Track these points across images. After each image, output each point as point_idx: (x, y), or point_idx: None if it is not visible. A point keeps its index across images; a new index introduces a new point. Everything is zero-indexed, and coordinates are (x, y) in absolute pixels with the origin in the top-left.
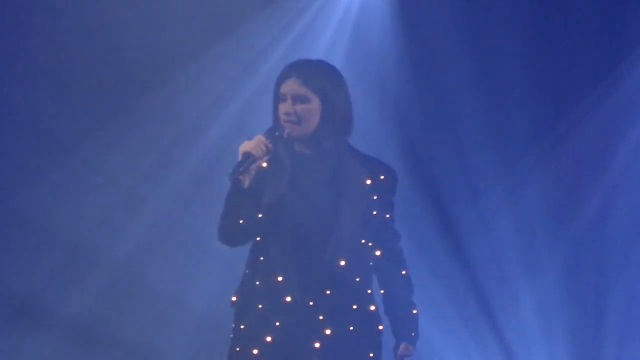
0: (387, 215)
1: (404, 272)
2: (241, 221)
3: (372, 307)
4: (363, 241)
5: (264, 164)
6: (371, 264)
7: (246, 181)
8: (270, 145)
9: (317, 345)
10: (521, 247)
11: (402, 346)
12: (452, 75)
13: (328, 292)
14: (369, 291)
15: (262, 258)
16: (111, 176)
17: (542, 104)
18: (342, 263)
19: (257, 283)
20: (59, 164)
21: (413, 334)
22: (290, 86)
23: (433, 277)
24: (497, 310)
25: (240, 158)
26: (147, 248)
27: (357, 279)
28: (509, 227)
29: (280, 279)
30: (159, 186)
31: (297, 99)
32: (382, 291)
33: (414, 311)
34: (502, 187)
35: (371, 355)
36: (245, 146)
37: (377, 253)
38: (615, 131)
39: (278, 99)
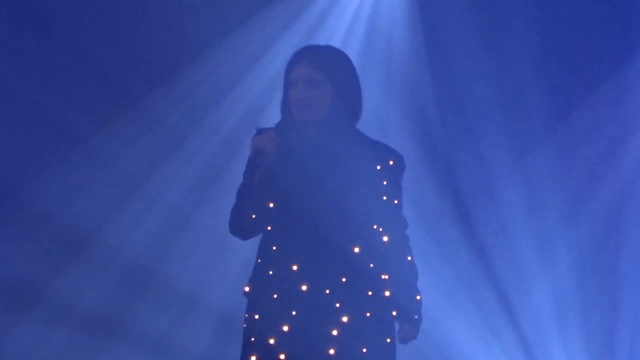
0: (396, 201)
1: (409, 259)
2: (253, 215)
3: (387, 293)
4: (375, 227)
5: (278, 154)
6: (383, 249)
7: (258, 175)
8: (280, 140)
9: (334, 332)
10: (536, 238)
11: (406, 328)
12: (467, 68)
13: (344, 279)
14: (384, 276)
15: (274, 247)
16: (127, 169)
17: (558, 95)
18: (357, 250)
19: (271, 272)
20: (75, 158)
21: (416, 316)
22: (301, 71)
23: (448, 269)
24: (513, 300)
25: (251, 154)
26: (164, 241)
27: (372, 265)
28: (524, 218)
29: (295, 268)
30: (175, 179)
31: (309, 83)
32: (386, 277)
33: (418, 297)
34: (517, 179)
35: (388, 340)
36: (257, 142)
37: (385, 239)
38: (632, 121)
39: (289, 84)
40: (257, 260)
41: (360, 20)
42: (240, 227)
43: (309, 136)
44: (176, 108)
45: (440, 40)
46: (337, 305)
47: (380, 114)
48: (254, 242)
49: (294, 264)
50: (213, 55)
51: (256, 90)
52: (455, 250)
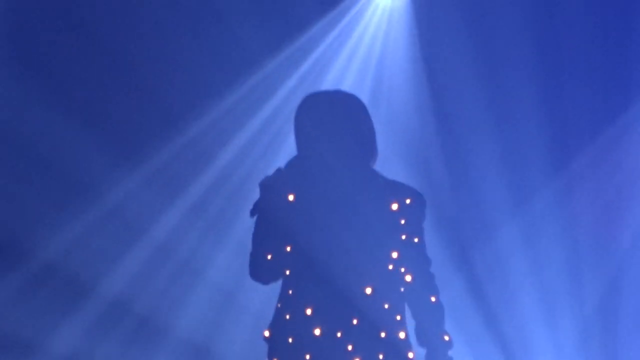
0: (416, 239)
1: (433, 299)
2: (269, 257)
3: (402, 335)
4: (391, 267)
5: (291, 197)
6: (402, 289)
7: (269, 216)
8: (290, 179)
9: None
10: (537, 289)
11: None
12: (469, 115)
13: (355, 321)
14: (399, 317)
15: (291, 291)
16: (131, 219)
17: (557, 142)
18: (369, 291)
19: (287, 317)
20: (79, 207)
21: (445, 356)
22: (313, 114)
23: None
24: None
25: (260, 194)
26: (171, 293)
27: (386, 306)
28: (523, 264)
29: (309, 312)
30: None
31: (320, 126)
32: (413, 318)
33: (446, 337)
34: (516, 225)
35: None
36: (265, 181)
37: (408, 279)
38: (631, 169)
39: (300, 126)
40: (277, 305)
41: (365, 71)
42: (258, 270)
43: (323, 178)
44: (182, 157)
45: (443, 88)
46: (350, 347)
47: (380, 159)
48: (257, 297)
49: (308, 307)
50: (217, 105)
51: (264, 139)
52: (453, 298)
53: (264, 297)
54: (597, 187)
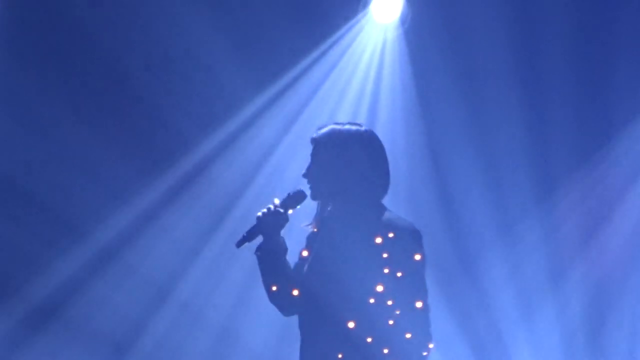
0: (399, 274)
1: (408, 336)
2: (274, 288)
3: None
4: (372, 300)
5: (310, 227)
6: (391, 322)
7: (273, 249)
8: (283, 212)
9: None
10: (520, 309)
11: None
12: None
13: (340, 355)
14: (386, 351)
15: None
16: (130, 264)
17: (542, 172)
18: (351, 325)
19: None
20: (76, 253)
21: None
22: (311, 151)
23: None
24: None
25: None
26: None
27: (369, 339)
28: (508, 291)
29: (302, 346)
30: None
31: (316, 161)
32: (386, 351)
33: None
34: (502, 251)
35: None
36: (259, 214)
37: (397, 312)
38: (614, 198)
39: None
40: None
41: (358, 106)
42: (271, 300)
43: (318, 214)
44: (170, 202)
45: (429, 107)
46: None
47: None
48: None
49: (302, 342)
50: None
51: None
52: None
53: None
54: (580, 192)
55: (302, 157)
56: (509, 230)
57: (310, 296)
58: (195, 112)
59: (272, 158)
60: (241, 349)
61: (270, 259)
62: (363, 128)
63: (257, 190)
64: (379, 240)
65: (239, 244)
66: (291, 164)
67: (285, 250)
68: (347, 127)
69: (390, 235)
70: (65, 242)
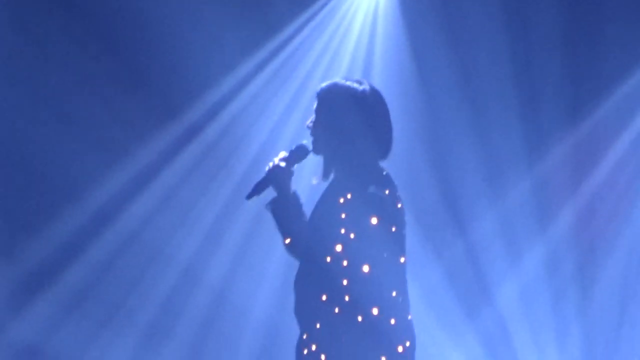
0: (352, 235)
1: (347, 299)
2: (287, 241)
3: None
4: (329, 259)
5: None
6: (345, 282)
7: (283, 202)
8: (285, 165)
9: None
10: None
11: None
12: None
13: (318, 325)
14: (336, 310)
15: None
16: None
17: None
18: (324, 298)
19: None
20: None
21: None
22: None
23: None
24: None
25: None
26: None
27: (324, 297)
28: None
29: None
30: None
31: (316, 116)
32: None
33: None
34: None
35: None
36: (267, 167)
37: (349, 273)
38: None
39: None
40: None
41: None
42: (287, 252)
43: (323, 169)
44: (168, 165)
45: (427, 84)
46: (313, 347)
47: None
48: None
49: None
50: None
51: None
52: (428, 292)
53: None
54: (574, 183)
55: (299, 115)
56: (499, 181)
57: (302, 248)
58: (191, 72)
59: (270, 114)
60: (239, 312)
61: (281, 212)
62: (367, 86)
63: (257, 149)
64: (341, 200)
65: (249, 197)
66: (289, 121)
67: (298, 203)
68: (348, 83)
69: (349, 196)
70: (64, 207)
